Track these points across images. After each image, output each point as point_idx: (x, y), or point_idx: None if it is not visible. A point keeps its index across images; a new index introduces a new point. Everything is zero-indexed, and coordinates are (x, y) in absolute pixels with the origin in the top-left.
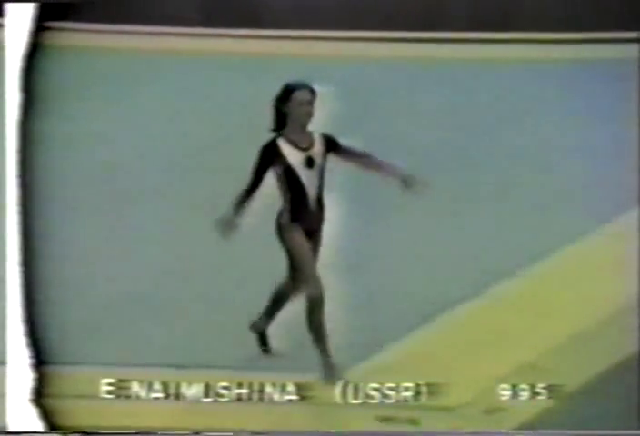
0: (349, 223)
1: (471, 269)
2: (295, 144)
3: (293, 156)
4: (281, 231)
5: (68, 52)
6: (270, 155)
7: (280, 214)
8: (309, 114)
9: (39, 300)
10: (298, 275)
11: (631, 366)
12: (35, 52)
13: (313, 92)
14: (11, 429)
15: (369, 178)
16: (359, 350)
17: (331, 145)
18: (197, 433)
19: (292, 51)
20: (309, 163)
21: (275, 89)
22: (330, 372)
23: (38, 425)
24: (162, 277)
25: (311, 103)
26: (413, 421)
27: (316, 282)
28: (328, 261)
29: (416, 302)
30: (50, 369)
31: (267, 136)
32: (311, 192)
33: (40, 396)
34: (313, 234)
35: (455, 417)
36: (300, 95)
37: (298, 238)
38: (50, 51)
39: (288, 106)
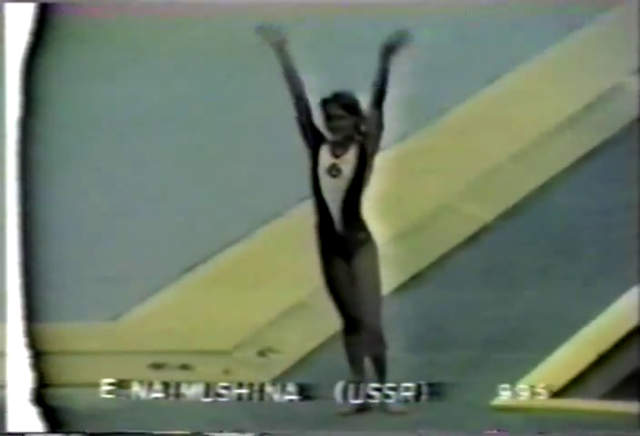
0: None
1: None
2: (331, 149)
3: (323, 161)
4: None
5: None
6: (315, 151)
7: None
8: (338, 129)
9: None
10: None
11: None
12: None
13: (345, 104)
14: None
15: None
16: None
17: (363, 151)
18: (197, 433)
19: None
20: (333, 171)
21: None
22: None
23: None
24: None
25: (342, 117)
26: (186, 367)
27: (353, 319)
28: None
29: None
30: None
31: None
32: (333, 206)
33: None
34: (347, 261)
35: (230, 360)
36: (328, 109)
37: (326, 266)
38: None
39: (322, 118)
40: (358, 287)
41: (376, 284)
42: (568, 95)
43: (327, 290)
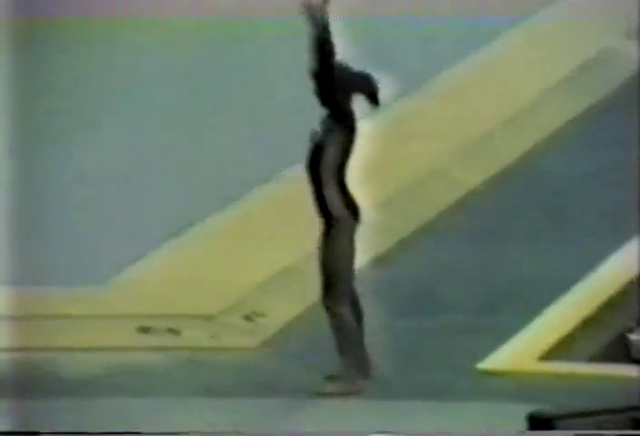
0: None
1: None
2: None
3: None
4: None
5: None
6: None
7: None
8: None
9: None
10: None
11: None
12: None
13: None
14: None
15: None
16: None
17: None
18: (198, 433)
19: None
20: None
21: None
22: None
23: None
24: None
25: None
26: (173, 331)
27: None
28: None
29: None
30: None
31: None
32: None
33: None
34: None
35: (216, 324)
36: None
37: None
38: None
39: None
40: (320, 267)
41: (334, 269)
42: (559, 59)
43: None
